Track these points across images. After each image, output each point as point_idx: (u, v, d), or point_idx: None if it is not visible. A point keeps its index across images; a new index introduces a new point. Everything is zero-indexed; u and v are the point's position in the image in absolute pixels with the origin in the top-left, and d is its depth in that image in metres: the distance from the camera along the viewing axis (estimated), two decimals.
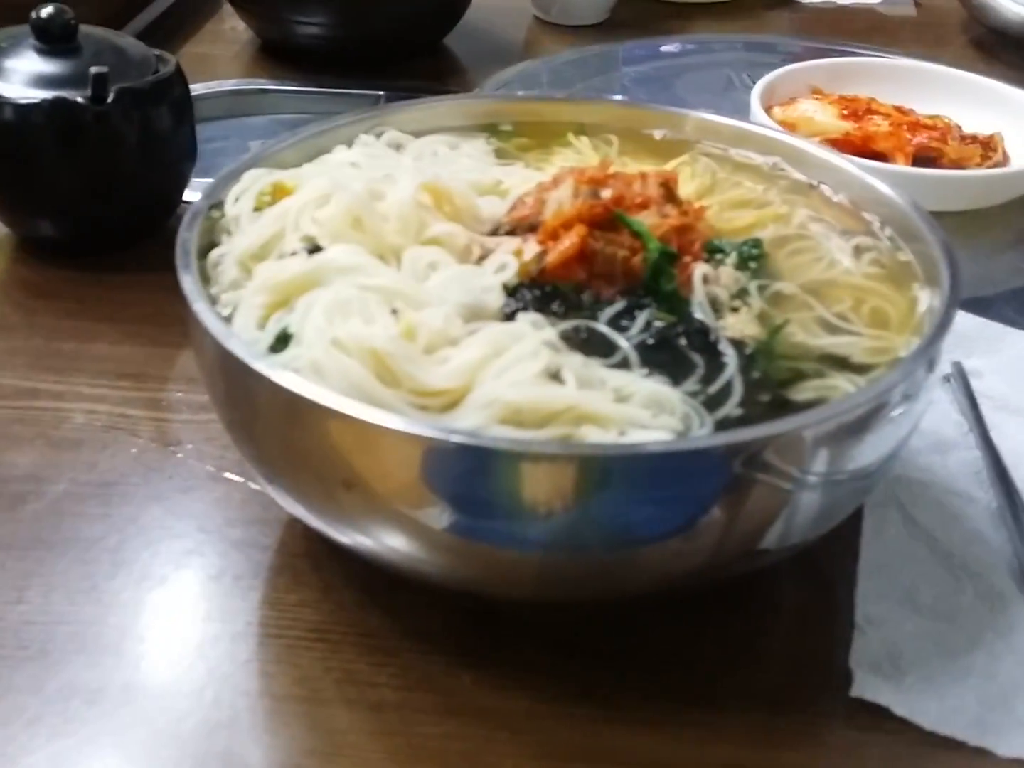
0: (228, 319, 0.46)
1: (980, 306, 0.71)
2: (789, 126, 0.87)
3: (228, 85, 1.01)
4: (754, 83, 0.93)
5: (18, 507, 0.54)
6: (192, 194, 0.80)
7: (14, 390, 0.62)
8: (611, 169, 0.53)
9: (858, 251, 0.53)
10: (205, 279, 0.48)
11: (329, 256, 0.45)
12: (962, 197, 0.80)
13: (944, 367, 0.65)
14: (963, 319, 0.67)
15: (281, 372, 0.39)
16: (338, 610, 0.49)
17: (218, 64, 1.08)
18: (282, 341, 0.43)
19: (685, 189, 0.57)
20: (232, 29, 1.13)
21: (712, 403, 0.43)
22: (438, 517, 0.40)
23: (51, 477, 0.56)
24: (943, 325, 0.44)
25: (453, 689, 0.46)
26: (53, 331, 0.67)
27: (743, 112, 0.88)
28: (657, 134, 0.62)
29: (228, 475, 0.57)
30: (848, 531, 0.53)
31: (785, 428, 0.38)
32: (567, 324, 0.46)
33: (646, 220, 0.49)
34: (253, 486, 0.55)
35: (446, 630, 0.48)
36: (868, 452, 0.43)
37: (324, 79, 1.03)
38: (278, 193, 0.50)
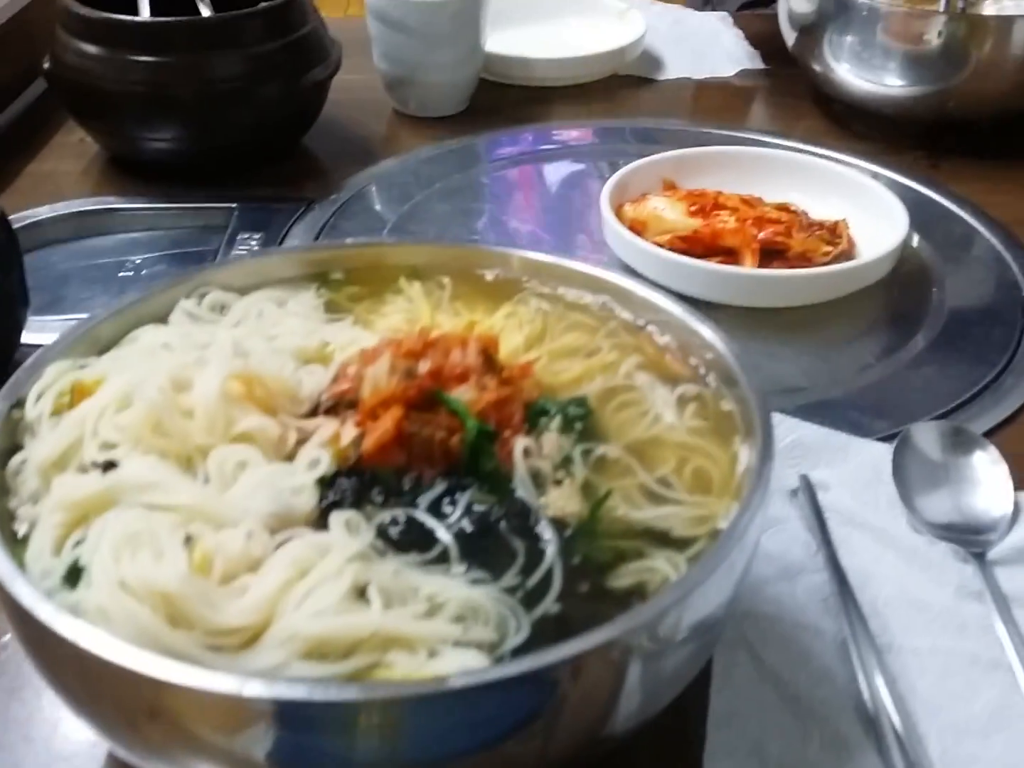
0: (25, 539, 0.44)
1: (828, 409, 0.72)
2: (640, 224, 0.88)
3: (74, 207, 0.98)
4: (611, 172, 0.94)
5: None
6: (33, 335, 0.78)
7: None
8: (431, 334, 0.53)
9: (682, 402, 0.53)
10: (5, 490, 0.46)
11: (124, 473, 0.43)
12: (807, 293, 0.81)
13: (791, 481, 0.65)
14: (808, 430, 0.68)
15: (66, 621, 0.37)
16: None
17: (65, 181, 1.05)
18: (74, 573, 0.41)
19: (513, 340, 0.56)
20: (81, 141, 1.10)
21: (531, 598, 0.42)
22: (243, 755, 0.38)
23: None
24: (757, 494, 0.44)
25: None
26: None
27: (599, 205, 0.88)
28: (489, 274, 0.62)
29: None
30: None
31: (590, 645, 0.37)
32: (385, 515, 0.45)
33: (465, 394, 0.49)
34: None
35: None
36: (690, 631, 0.42)
37: (177, 191, 1.01)
38: (78, 394, 0.48)
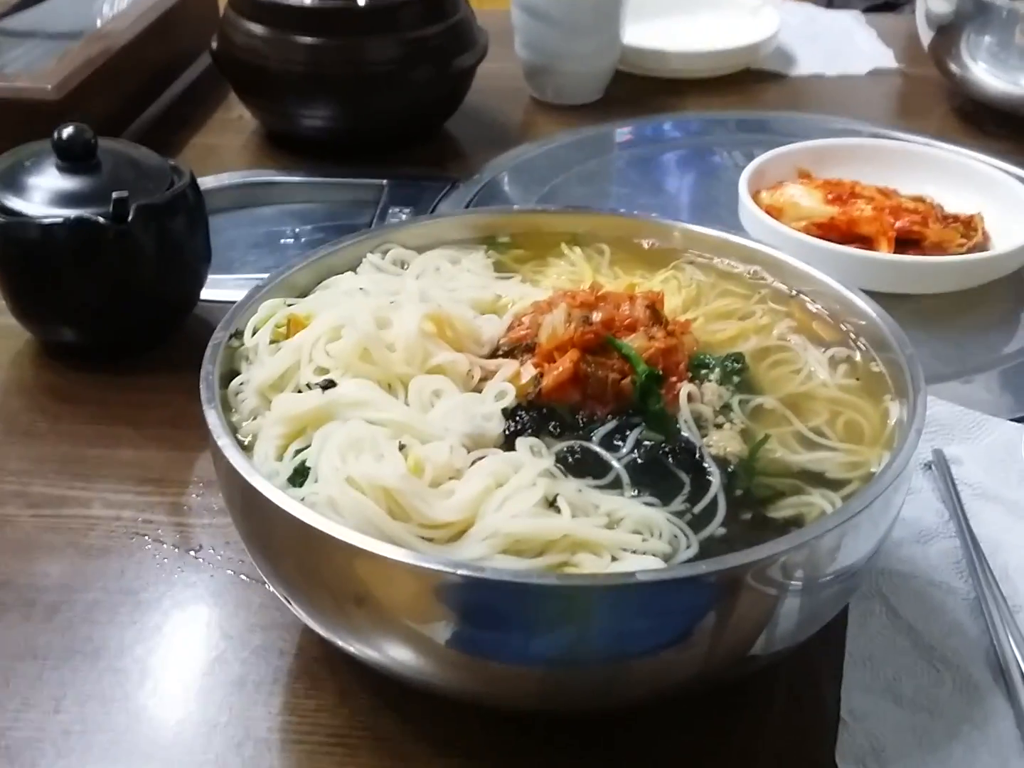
0: (248, 447, 0.50)
1: (960, 393, 0.74)
2: (776, 211, 0.91)
3: (237, 178, 1.05)
4: (745, 162, 0.97)
5: (53, 617, 0.58)
6: (208, 291, 0.84)
7: (45, 498, 0.66)
8: (601, 289, 0.57)
9: (833, 362, 0.56)
10: (226, 406, 0.52)
11: (341, 391, 0.49)
12: (942, 281, 0.84)
13: (926, 454, 0.68)
14: (942, 407, 0.71)
15: (302, 508, 0.43)
16: (354, 715, 0.53)
17: (227, 154, 1.12)
18: (299, 473, 0.47)
19: (672, 301, 0.61)
20: (240, 118, 1.18)
21: (697, 522, 0.47)
22: (444, 636, 0.43)
23: (82, 586, 0.60)
24: (910, 442, 0.47)
25: None
26: (78, 437, 0.71)
27: (734, 193, 0.92)
28: (646, 243, 0.66)
29: (246, 578, 0.60)
30: (840, 622, 0.56)
31: (763, 555, 0.41)
32: (563, 445, 0.49)
33: (634, 343, 0.53)
34: (271, 589, 0.59)
35: (457, 735, 0.51)
36: (842, 565, 0.46)
37: (329, 167, 1.07)
38: (293, 326, 0.54)
